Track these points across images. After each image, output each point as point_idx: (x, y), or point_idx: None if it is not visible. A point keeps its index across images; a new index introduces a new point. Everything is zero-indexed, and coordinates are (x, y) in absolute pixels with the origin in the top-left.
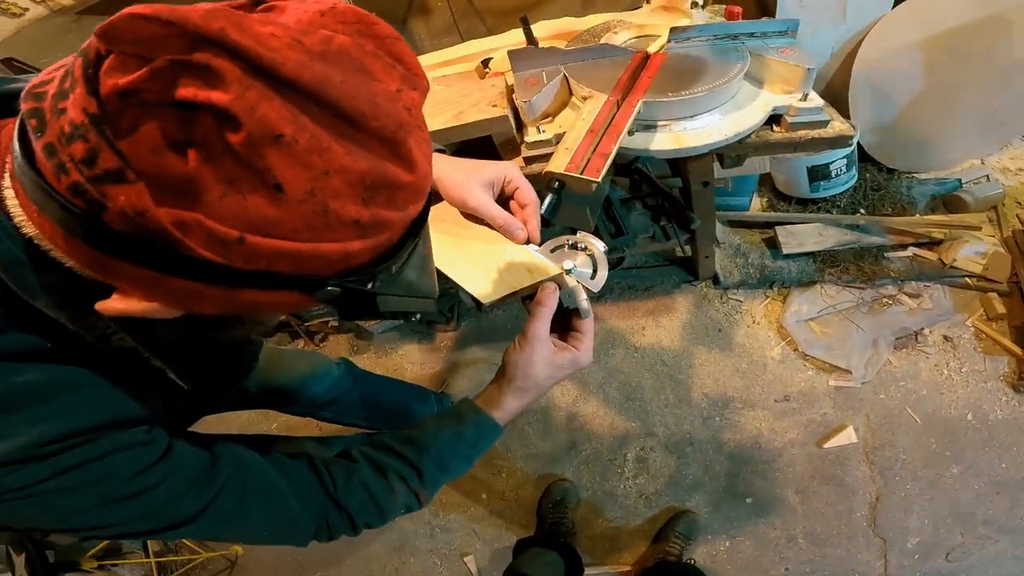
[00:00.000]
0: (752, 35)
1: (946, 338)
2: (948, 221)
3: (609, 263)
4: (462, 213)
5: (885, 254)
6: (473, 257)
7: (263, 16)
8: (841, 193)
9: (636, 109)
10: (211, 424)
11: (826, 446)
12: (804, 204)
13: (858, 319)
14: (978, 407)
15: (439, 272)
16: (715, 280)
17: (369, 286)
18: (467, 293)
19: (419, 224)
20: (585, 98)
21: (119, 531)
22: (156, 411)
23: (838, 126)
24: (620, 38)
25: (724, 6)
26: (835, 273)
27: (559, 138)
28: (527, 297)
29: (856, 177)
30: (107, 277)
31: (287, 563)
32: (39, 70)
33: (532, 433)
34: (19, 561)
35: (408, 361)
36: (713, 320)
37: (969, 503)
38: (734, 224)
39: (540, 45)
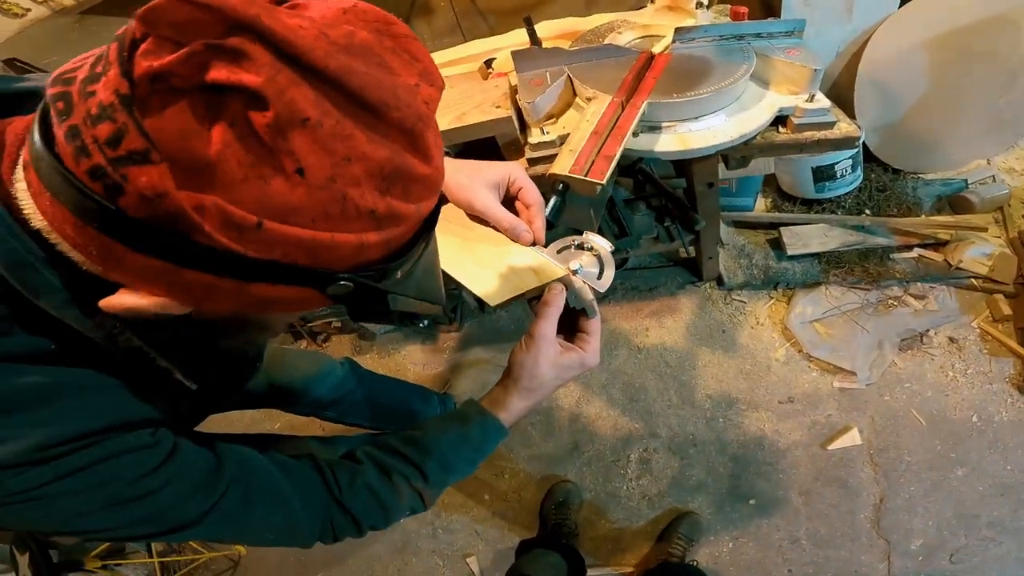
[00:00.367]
0: (758, 35)
1: (951, 340)
2: (954, 222)
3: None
4: (467, 215)
5: (890, 255)
6: (479, 259)
7: (289, 11)
8: (846, 194)
9: (641, 110)
10: (215, 423)
11: (830, 448)
12: (809, 205)
13: (863, 320)
14: (983, 409)
15: (445, 274)
16: (719, 281)
17: (380, 284)
18: (472, 294)
19: (430, 222)
20: (589, 99)
21: (123, 534)
22: (162, 412)
23: (844, 127)
24: (624, 38)
25: (729, 6)
26: (840, 274)
27: (563, 139)
28: (533, 298)
29: (861, 178)
30: (117, 269)
31: (290, 563)
32: (41, 70)
33: (535, 434)
34: (23, 561)
35: (411, 362)
36: (717, 321)
37: (973, 505)
38: (738, 225)
39: (544, 45)
